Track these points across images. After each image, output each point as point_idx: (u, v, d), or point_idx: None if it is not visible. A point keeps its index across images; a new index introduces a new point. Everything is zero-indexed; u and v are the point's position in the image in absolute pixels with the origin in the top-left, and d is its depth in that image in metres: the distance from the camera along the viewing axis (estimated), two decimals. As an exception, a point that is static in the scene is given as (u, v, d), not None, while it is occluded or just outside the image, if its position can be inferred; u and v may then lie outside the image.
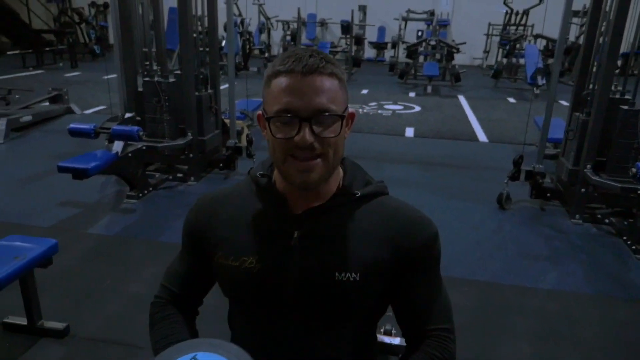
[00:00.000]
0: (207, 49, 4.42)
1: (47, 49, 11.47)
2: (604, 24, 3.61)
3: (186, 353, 0.83)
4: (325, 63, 0.89)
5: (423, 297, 1.01)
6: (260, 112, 0.97)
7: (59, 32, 12.23)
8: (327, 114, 0.88)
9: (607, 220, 3.58)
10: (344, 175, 1.01)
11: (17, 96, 6.39)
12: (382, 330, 2.12)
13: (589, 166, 3.50)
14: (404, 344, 2.14)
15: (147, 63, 4.26)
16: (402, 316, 1.04)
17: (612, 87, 3.50)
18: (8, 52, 11.54)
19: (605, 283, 2.84)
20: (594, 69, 3.71)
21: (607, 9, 3.54)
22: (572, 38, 10.23)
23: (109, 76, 4.87)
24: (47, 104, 6.51)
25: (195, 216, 1.07)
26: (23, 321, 2.25)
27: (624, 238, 3.31)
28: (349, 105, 0.96)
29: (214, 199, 1.07)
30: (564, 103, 7.31)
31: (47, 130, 5.84)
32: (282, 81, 0.88)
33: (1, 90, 6.20)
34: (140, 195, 3.86)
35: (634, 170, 3.05)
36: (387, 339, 2.10)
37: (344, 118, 0.92)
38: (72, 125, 3.62)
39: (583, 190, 3.56)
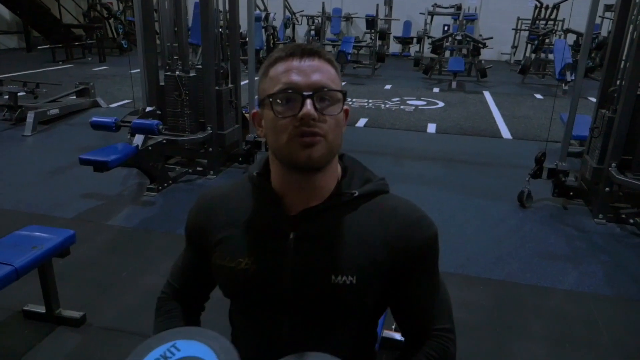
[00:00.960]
0: (228, 44, 4.45)
1: (77, 43, 11.74)
2: (634, 17, 3.49)
3: (166, 341, 0.85)
4: (322, 51, 0.92)
5: (421, 298, 0.99)
6: (255, 110, 0.97)
7: (88, 26, 12.52)
8: (326, 89, 0.89)
9: (632, 221, 3.47)
10: (342, 174, 1.00)
11: (44, 90, 6.55)
12: (393, 327, 2.11)
13: (613, 165, 3.40)
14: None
15: (175, 57, 4.29)
16: (400, 317, 1.03)
17: (640, 84, 3.39)
18: (39, 47, 11.85)
19: (627, 285, 2.76)
20: (622, 65, 3.60)
21: (637, 1, 3.42)
22: (605, 33, 9.94)
23: (134, 70, 4.95)
24: (74, 97, 6.66)
25: (195, 216, 1.07)
26: (41, 309, 2.31)
27: (650, 239, 3.21)
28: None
29: (213, 198, 1.06)
30: (593, 100, 7.10)
31: (74, 124, 5.98)
32: (280, 66, 0.90)
33: (29, 84, 6.36)
34: (160, 188, 3.92)
35: (661, 169, 2.95)
36: (398, 336, 2.09)
37: (345, 95, 0.92)
38: (94, 119, 3.70)
39: (607, 189, 3.46)
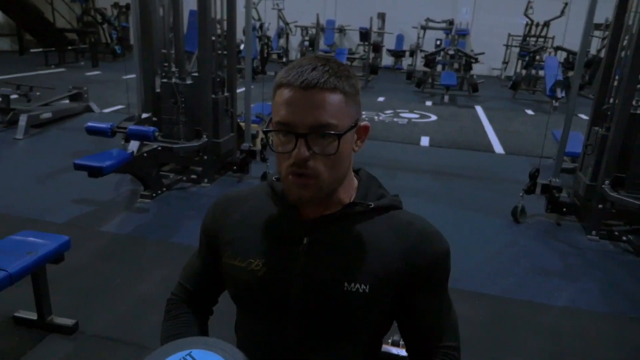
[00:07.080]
0: (225, 52, 4.45)
1: (70, 47, 11.68)
2: (626, 37, 3.56)
3: (182, 350, 0.84)
4: (328, 77, 0.86)
5: (431, 314, 0.98)
6: None
7: (81, 31, 12.47)
8: (324, 132, 0.86)
9: (624, 238, 3.50)
10: (358, 186, 1.00)
11: (37, 93, 6.49)
12: (389, 340, 2.10)
13: (607, 182, 3.43)
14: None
15: (166, 65, 4.30)
16: (408, 332, 1.02)
17: (633, 102, 3.44)
18: (32, 50, 11.75)
19: (621, 302, 2.78)
20: (615, 83, 3.65)
21: (630, 22, 3.49)
22: (593, 51, 10.12)
23: (128, 76, 4.92)
24: (67, 101, 6.61)
25: (212, 215, 1.07)
26: (33, 316, 2.27)
27: (642, 256, 3.24)
28: (363, 116, 0.95)
29: (231, 199, 1.07)
30: (583, 117, 7.21)
31: (66, 128, 5.92)
32: (283, 93, 0.87)
33: (22, 87, 6.31)
34: (154, 195, 3.89)
35: (653, 187, 2.99)
36: (394, 350, 2.08)
37: (342, 137, 0.87)
38: (89, 124, 3.67)
39: (600, 206, 3.49)
